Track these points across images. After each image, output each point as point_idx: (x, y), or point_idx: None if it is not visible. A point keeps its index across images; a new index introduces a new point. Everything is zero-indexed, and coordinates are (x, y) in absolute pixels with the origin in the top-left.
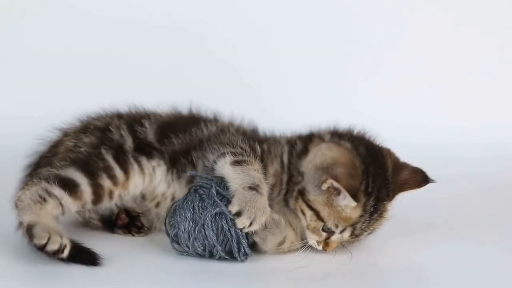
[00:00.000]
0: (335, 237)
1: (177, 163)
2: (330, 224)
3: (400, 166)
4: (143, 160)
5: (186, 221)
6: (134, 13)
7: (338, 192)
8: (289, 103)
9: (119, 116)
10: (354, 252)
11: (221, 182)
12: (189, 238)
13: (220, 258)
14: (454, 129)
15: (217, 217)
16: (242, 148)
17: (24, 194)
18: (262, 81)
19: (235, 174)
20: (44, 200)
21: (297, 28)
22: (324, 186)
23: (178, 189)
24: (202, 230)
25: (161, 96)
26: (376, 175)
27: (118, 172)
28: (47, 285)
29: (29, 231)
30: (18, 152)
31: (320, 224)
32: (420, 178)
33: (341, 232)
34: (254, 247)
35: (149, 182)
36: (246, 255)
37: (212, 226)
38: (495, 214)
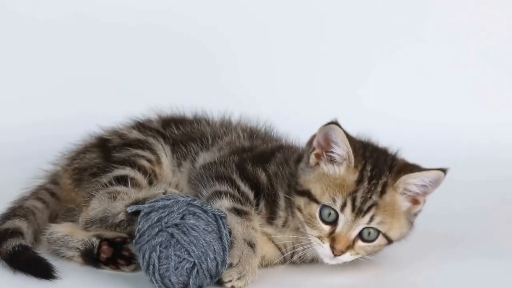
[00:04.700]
0: (340, 227)
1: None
2: (325, 200)
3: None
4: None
5: (213, 244)
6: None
7: (326, 149)
8: (298, 101)
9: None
10: (367, 265)
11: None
12: (222, 263)
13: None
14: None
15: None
16: (240, 192)
17: (93, 205)
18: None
19: (236, 223)
20: (115, 197)
21: (305, 24)
22: (312, 158)
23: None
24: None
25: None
26: (373, 147)
27: (147, 153)
28: None
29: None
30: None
31: (315, 207)
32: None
33: (342, 208)
34: None
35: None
36: None
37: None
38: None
